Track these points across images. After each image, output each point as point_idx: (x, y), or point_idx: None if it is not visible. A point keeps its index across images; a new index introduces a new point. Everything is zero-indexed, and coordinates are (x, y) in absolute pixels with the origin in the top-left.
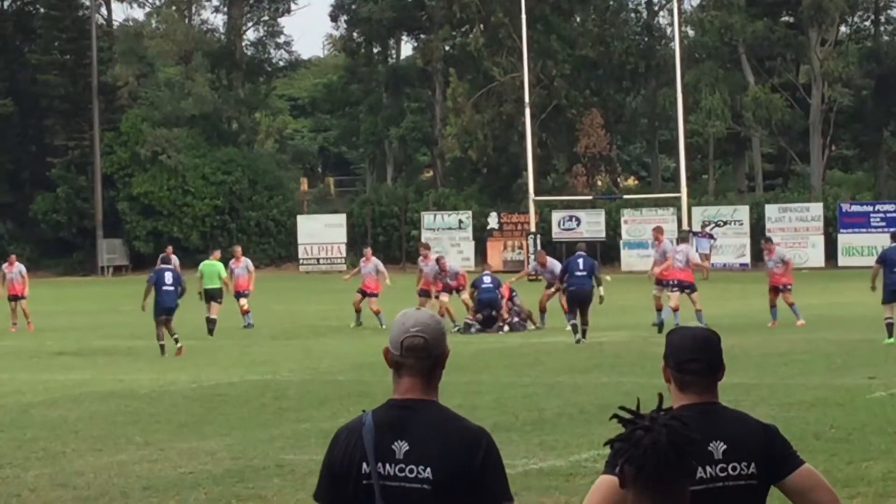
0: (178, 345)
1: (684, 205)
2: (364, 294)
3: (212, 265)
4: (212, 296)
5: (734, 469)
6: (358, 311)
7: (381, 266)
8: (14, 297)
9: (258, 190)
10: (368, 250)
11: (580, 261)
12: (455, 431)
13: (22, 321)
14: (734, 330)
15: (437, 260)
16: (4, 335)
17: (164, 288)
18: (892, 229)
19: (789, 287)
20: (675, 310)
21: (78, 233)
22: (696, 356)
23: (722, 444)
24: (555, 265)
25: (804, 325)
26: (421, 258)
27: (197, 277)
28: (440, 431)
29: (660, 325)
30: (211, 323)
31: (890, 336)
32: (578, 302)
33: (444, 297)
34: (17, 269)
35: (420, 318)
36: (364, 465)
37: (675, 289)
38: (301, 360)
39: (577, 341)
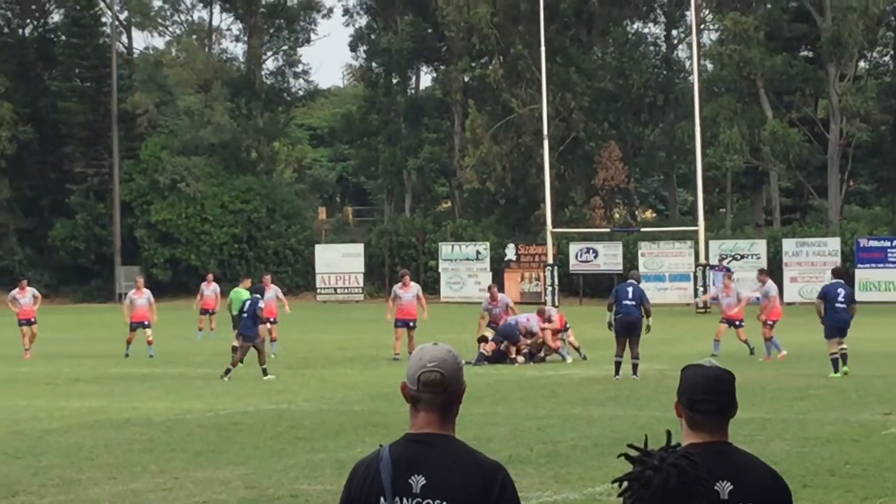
0: (266, 377)
1: (701, 238)
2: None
3: (238, 293)
4: (238, 323)
5: None
6: (129, 343)
7: (151, 298)
8: (27, 322)
9: (276, 219)
10: (140, 279)
11: (629, 289)
12: (471, 466)
13: (22, 348)
14: (750, 364)
15: (489, 288)
16: (21, 362)
17: (243, 315)
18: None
19: (769, 323)
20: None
21: (96, 260)
22: (708, 396)
23: (728, 484)
24: (506, 299)
25: (769, 361)
26: (400, 285)
27: (227, 305)
28: (457, 466)
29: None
30: (236, 351)
31: (836, 371)
32: (626, 330)
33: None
34: (29, 293)
35: (437, 353)
36: (381, 499)
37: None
38: (317, 389)
39: (616, 376)
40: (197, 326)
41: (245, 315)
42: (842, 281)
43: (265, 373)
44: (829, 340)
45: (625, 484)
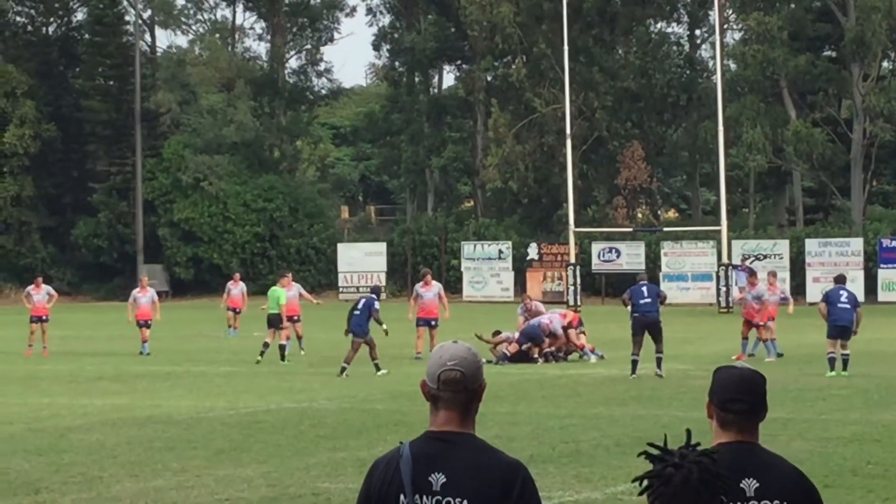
0: (379, 371)
1: (724, 238)
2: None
3: (275, 291)
4: (271, 322)
5: None
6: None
7: (155, 297)
8: (38, 319)
9: (299, 217)
10: (144, 278)
11: (644, 289)
12: (492, 464)
13: (38, 345)
14: (772, 363)
15: (524, 298)
16: (42, 360)
17: (355, 312)
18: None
19: (762, 325)
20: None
21: (119, 258)
22: (740, 396)
23: (755, 481)
24: (539, 307)
25: (773, 361)
26: (421, 284)
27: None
28: (477, 464)
29: None
30: (265, 347)
31: (832, 370)
32: (646, 328)
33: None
34: (44, 291)
35: (457, 352)
36: (401, 496)
37: None
38: (339, 388)
39: (633, 374)
40: (227, 324)
41: (357, 313)
42: (844, 286)
43: (377, 367)
44: (830, 340)
45: (646, 482)
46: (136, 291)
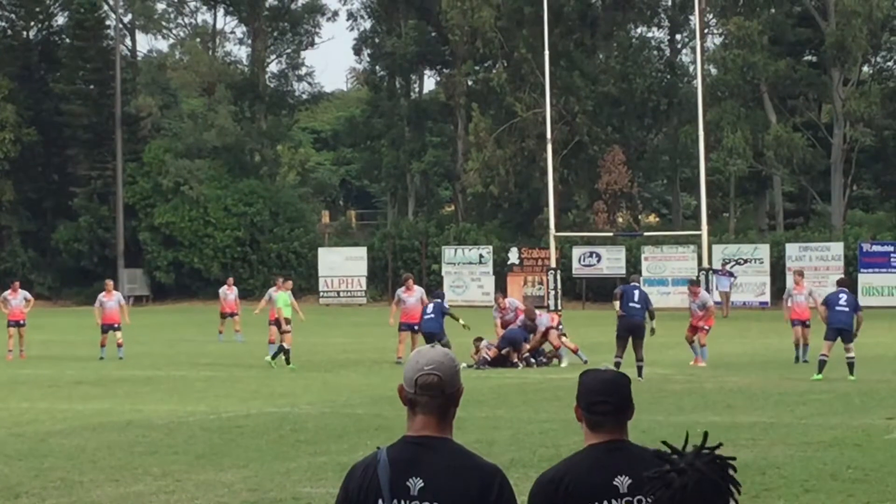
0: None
1: (705, 242)
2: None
3: (277, 295)
4: (276, 324)
5: (639, 502)
6: (103, 345)
7: (122, 300)
8: (16, 324)
9: (279, 222)
10: (110, 282)
11: (636, 292)
12: (469, 469)
13: (17, 349)
14: (753, 368)
15: (495, 299)
16: (23, 364)
17: (426, 316)
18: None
19: (706, 328)
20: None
21: (99, 262)
22: (604, 398)
23: (627, 478)
24: (514, 302)
25: (704, 366)
26: (403, 288)
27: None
28: (454, 469)
29: None
30: (281, 351)
31: (819, 372)
32: (630, 332)
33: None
34: (21, 295)
35: (434, 357)
36: (379, 501)
37: None
38: (320, 392)
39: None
40: (229, 329)
41: (432, 316)
42: (845, 289)
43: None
44: (826, 342)
45: (650, 479)
46: (101, 296)
